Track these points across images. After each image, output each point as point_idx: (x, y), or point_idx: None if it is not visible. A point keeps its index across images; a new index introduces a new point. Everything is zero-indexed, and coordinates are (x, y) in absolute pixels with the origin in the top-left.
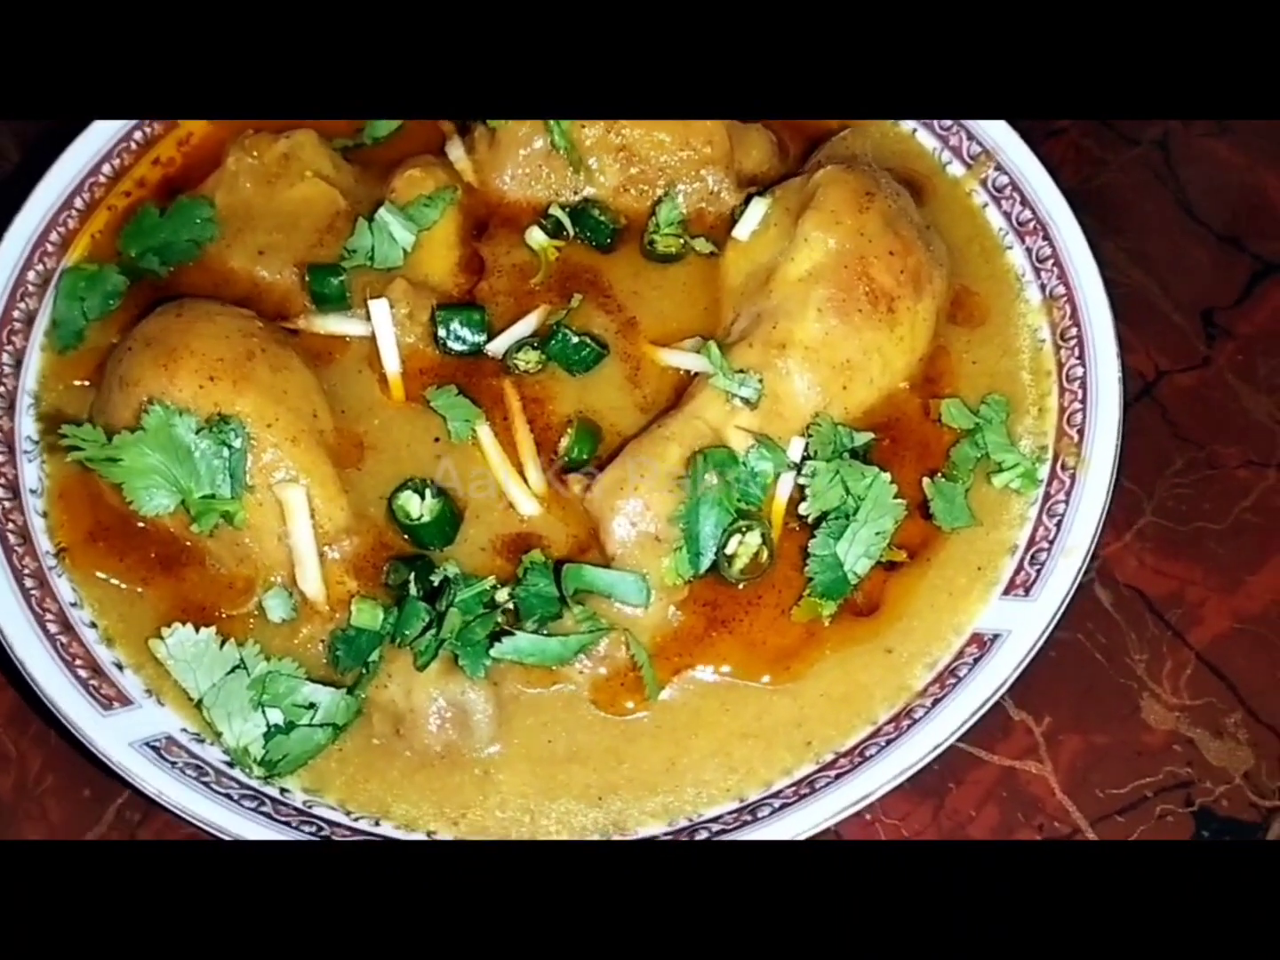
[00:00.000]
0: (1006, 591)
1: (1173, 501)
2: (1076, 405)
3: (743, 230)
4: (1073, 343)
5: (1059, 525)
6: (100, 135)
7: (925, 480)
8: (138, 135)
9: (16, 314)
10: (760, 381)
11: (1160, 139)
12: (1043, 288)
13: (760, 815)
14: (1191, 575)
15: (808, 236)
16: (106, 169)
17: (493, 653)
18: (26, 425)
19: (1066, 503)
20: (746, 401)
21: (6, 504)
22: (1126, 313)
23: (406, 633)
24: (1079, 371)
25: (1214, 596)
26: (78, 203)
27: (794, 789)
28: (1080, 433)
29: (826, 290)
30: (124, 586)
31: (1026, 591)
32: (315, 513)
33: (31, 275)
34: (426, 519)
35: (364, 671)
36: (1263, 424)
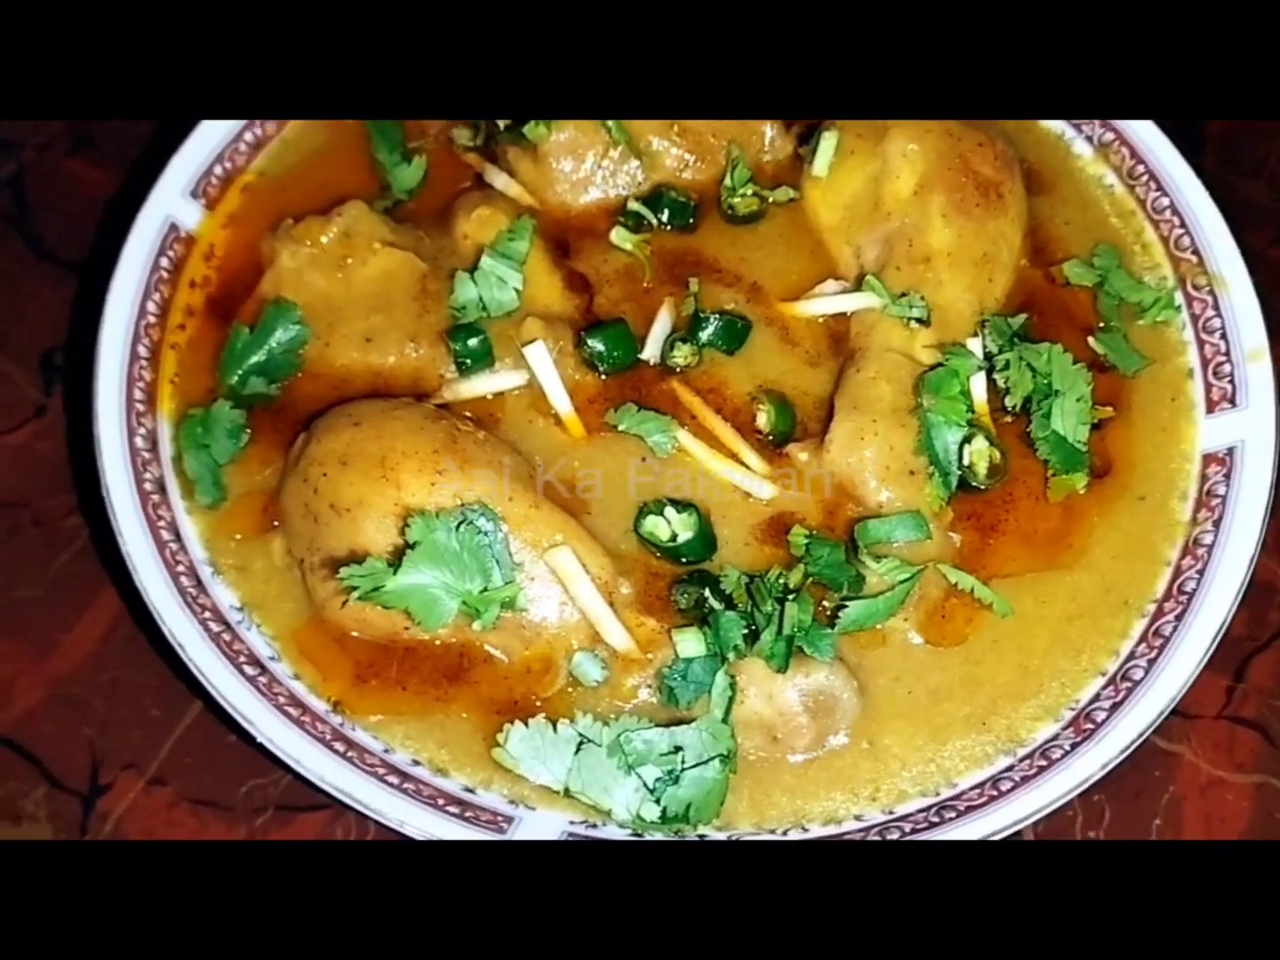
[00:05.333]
0: (1209, 410)
1: None
2: (1179, 231)
3: (820, 167)
4: (1145, 178)
5: (1225, 338)
6: (128, 275)
7: (1090, 339)
8: (164, 262)
9: (148, 485)
10: (922, 299)
11: None
12: (1089, 139)
13: (1135, 678)
14: None
15: (904, 151)
16: (151, 306)
17: (837, 629)
18: (226, 595)
19: (1220, 315)
20: (920, 321)
21: (261, 681)
22: None
23: (738, 645)
24: (1164, 202)
25: None
26: (141, 351)
27: (1144, 645)
28: (1196, 254)
29: (942, 195)
30: (422, 716)
31: (1232, 402)
32: (585, 567)
33: (139, 441)
34: (689, 534)
35: (727, 697)
36: None
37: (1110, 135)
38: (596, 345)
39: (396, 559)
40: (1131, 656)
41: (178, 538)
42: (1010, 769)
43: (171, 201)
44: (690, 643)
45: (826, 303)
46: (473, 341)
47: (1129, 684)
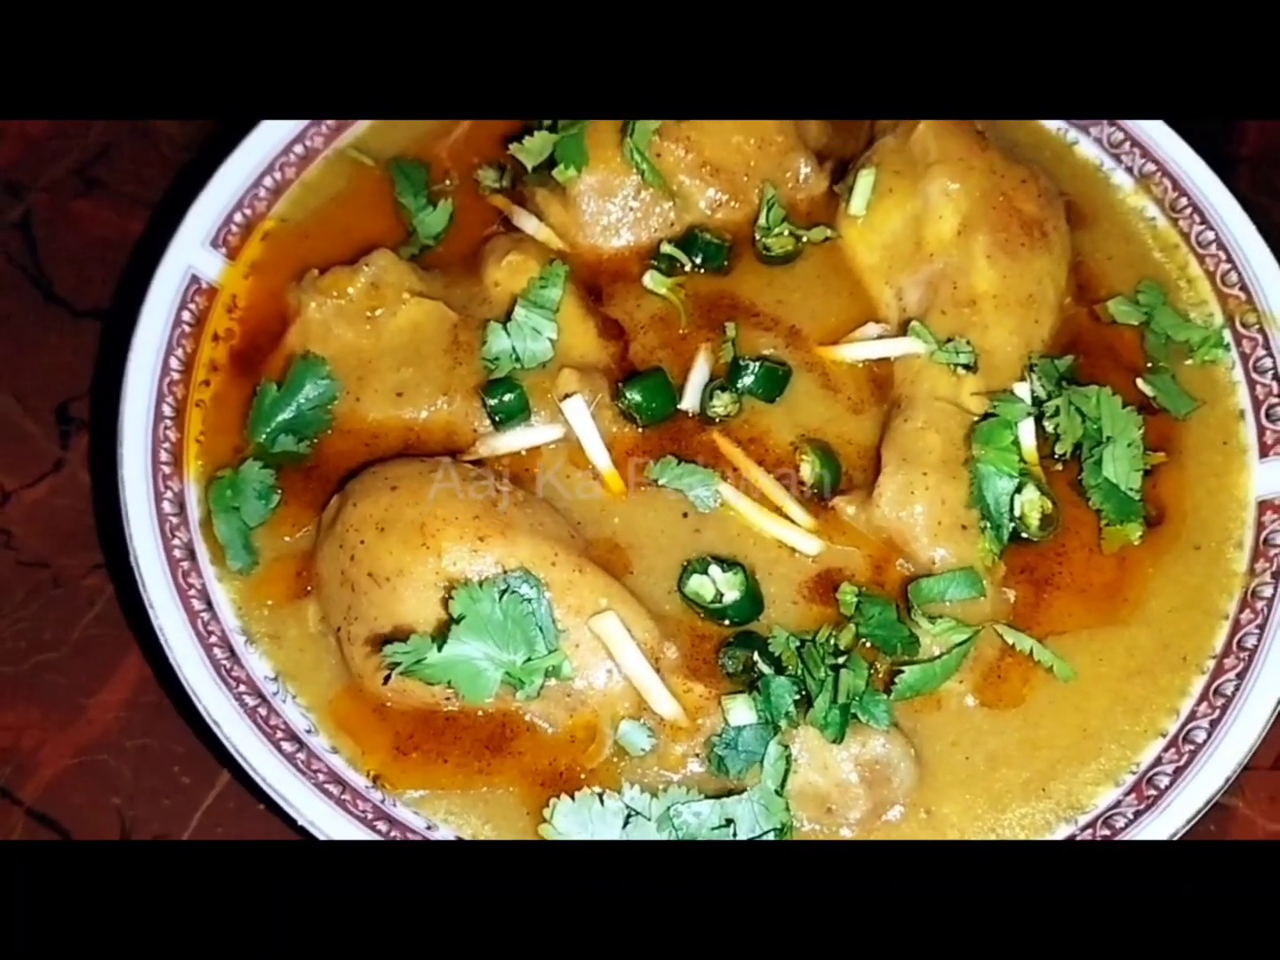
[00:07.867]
0: (1263, 454)
1: None
2: (1225, 266)
3: (858, 206)
4: (1188, 210)
5: (1278, 379)
6: (151, 330)
7: (1139, 380)
8: (186, 315)
9: (178, 552)
10: (968, 344)
11: None
12: (1129, 170)
13: (1198, 740)
14: None
15: (946, 190)
16: (174, 363)
17: (894, 696)
18: (260, 665)
19: (1271, 355)
20: (968, 368)
21: (300, 757)
22: None
23: (789, 713)
24: (1209, 236)
25: None
26: (165, 410)
27: (1205, 705)
28: (1244, 290)
29: (986, 235)
30: (465, 789)
31: None
32: (630, 632)
33: (166, 506)
34: (736, 595)
35: (782, 768)
36: None
37: (1151, 166)
38: (635, 397)
39: (439, 631)
40: (1193, 717)
41: (209, 606)
42: (1071, 839)
43: (192, 251)
44: (741, 710)
45: (868, 348)
46: (508, 397)
47: (1191, 747)
